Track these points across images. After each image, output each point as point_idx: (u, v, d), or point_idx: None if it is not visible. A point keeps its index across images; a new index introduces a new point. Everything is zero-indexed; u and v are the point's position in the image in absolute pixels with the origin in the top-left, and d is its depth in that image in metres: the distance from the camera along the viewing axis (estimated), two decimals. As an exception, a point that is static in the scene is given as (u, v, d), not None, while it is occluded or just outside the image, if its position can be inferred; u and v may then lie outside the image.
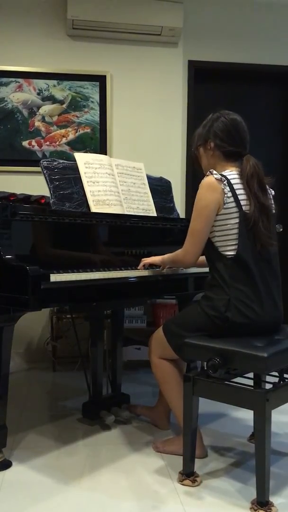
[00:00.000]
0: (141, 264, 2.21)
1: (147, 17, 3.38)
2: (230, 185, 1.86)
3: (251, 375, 1.84)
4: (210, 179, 1.87)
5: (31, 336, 3.55)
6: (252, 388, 1.71)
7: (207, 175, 1.89)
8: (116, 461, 2.04)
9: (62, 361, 3.40)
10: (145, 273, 2.19)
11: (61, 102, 3.51)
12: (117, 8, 3.35)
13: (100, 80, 3.53)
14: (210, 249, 1.93)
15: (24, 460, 2.03)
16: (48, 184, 2.13)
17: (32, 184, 3.27)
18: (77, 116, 3.53)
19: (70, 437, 2.27)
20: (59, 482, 1.86)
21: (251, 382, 1.78)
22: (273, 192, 2.00)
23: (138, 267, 2.22)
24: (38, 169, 2.20)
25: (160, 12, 3.38)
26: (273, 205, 1.96)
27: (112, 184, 2.36)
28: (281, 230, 3.92)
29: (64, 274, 1.87)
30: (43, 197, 2.33)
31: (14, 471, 1.94)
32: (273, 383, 1.78)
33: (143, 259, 2.23)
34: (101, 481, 1.87)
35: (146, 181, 2.59)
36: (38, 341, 3.56)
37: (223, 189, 1.85)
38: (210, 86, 3.87)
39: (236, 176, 1.90)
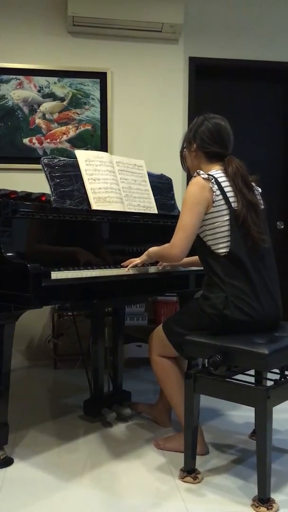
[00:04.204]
0: (130, 265, 2.12)
1: (147, 13, 3.37)
2: (218, 183, 1.88)
3: (252, 372, 1.85)
4: (198, 179, 1.89)
5: (32, 334, 3.55)
6: (253, 385, 1.71)
7: (195, 176, 1.91)
8: (117, 458, 2.04)
9: (63, 358, 3.40)
10: (146, 270, 2.19)
11: (62, 99, 3.50)
12: (117, 5, 3.34)
13: (101, 77, 3.52)
14: (202, 248, 1.92)
15: (26, 458, 2.04)
16: (48, 182, 2.13)
17: (32, 181, 3.26)
18: (77, 113, 3.53)
19: (71, 435, 2.27)
20: (60, 479, 1.86)
21: (252, 379, 1.78)
22: (259, 189, 2.01)
23: (124, 265, 2.13)
24: (39, 166, 2.20)
25: (160, 8, 3.37)
26: (261, 201, 1.97)
27: (113, 182, 2.36)
28: (282, 227, 3.93)
29: (65, 271, 1.87)
30: (43, 194, 2.33)
31: (15, 469, 1.95)
32: (274, 380, 1.79)
33: (131, 260, 2.15)
34: (102, 478, 1.88)
35: (147, 178, 2.58)
36: (39, 338, 3.56)
37: (211, 187, 1.86)
38: (211, 82, 3.86)
39: (222, 174, 1.92)
